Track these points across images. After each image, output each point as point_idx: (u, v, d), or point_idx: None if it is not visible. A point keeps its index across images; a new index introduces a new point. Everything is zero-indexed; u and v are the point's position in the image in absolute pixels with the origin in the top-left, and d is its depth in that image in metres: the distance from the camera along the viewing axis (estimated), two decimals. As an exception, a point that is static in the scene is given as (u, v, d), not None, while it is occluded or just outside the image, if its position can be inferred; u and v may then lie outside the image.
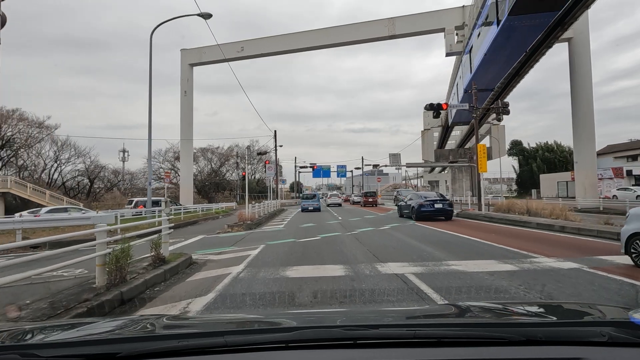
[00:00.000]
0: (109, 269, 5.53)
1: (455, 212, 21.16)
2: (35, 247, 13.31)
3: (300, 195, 55.62)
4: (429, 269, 7.34)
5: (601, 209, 27.56)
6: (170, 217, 9.27)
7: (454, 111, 47.09)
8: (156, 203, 31.48)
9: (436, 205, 19.41)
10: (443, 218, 19.39)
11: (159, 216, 24.37)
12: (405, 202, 21.94)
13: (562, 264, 7.58)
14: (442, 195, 21.94)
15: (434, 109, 22.00)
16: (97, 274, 5.60)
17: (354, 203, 48.21)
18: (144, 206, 30.87)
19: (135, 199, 35.61)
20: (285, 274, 7.27)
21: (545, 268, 7.25)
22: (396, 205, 27.95)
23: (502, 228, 15.11)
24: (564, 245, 10.10)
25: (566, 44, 33.90)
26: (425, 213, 19.17)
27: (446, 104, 23.91)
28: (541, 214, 17.52)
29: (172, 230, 9.56)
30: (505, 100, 27.46)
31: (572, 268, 7.21)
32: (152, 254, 7.07)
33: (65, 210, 26.52)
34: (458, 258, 8.49)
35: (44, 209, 27.92)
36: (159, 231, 8.48)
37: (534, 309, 2.08)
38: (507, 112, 23.10)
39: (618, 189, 39.57)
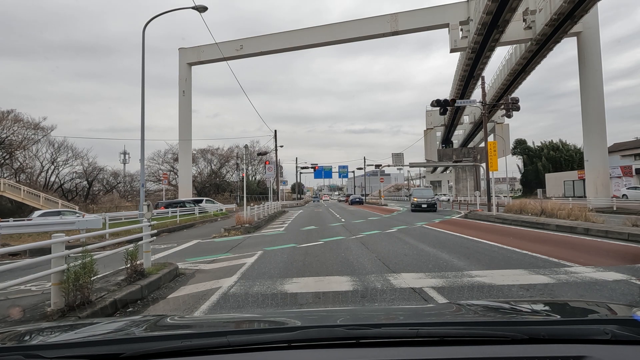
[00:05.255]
0: (65, 289, 4.51)
1: (462, 212, 23.80)
2: (15, 254, 12.46)
3: (312, 197, 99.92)
4: (451, 282, 6.31)
5: (615, 209, 26.51)
6: (152, 223, 8.23)
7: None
8: (178, 204, 32.13)
9: (357, 200, 56.17)
10: (360, 203, 52.85)
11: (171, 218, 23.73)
12: (349, 199, 59.84)
13: (604, 275, 6.54)
14: (361, 195, 62.90)
15: (441, 104, 20.96)
16: (52, 294, 4.60)
17: (340, 201, 78.17)
18: (165, 207, 31.35)
19: (157, 202, 36.71)
20: (283, 288, 6.24)
21: (586, 280, 6.21)
22: (411, 204, 31.70)
23: (519, 230, 14.05)
24: (596, 251, 9.04)
25: (574, 38, 32.83)
26: (354, 202, 54.17)
27: (453, 99, 22.88)
28: (557, 214, 16.45)
29: (155, 237, 8.55)
30: (513, 96, 26.42)
31: (618, 280, 6.17)
32: (128, 266, 6.04)
33: (58, 213, 25.53)
34: (481, 267, 7.46)
35: (37, 213, 26.99)
36: (155, 235, 7.50)
37: (538, 307, 2.09)
38: (518, 108, 22.05)
39: (628, 188, 38.38)
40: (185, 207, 30.95)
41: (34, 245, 5.65)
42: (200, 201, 35.81)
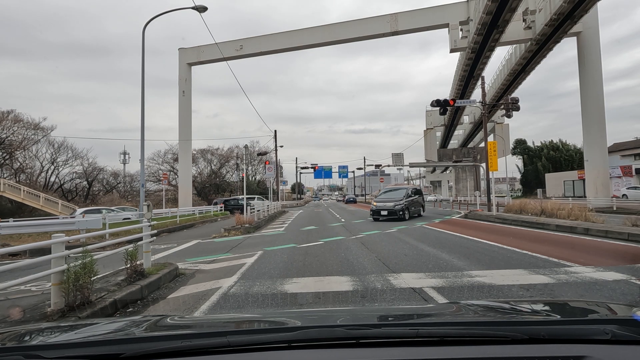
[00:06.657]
0: (64, 289, 4.51)
1: (462, 212, 23.79)
2: (15, 254, 12.46)
3: (313, 197, 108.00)
4: (451, 282, 6.32)
5: (614, 208, 26.52)
6: (152, 223, 8.23)
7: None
8: (234, 201, 36.56)
9: (351, 199, 69.05)
10: (354, 202, 63.28)
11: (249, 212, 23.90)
12: (345, 198, 73.37)
13: (603, 275, 6.54)
14: (354, 195, 78.64)
15: (441, 105, 20.96)
16: (52, 294, 4.60)
17: (339, 201, 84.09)
18: (224, 204, 34.98)
19: (216, 200, 42.21)
20: (283, 288, 6.24)
21: (586, 280, 6.21)
22: (370, 210, 26.21)
23: (519, 230, 14.05)
24: (596, 251, 9.05)
25: (574, 38, 32.84)
26: (349, 201, 65.99)
27: (453, 100, 22.87)
28: (557, 214, 16.45)
29: (155, 237, 8.55)
30: (513, 96, 26.42)
31: (618, 280, 6.17)
32: (127, 266, 6.04)
33: (98, 211, 25.23)
34: (480, 267, 7.46)
35: (79, 210, 27.21)
36: (155, 235, 7.50)
37: (538, 307, 2.09)
38: (517, 109, 22.05)
39: (628, 188, 38.40)
40: (239, 203, 34.33)
41: (34, 245, 5.65)
42: (253, 198, 38.50)
